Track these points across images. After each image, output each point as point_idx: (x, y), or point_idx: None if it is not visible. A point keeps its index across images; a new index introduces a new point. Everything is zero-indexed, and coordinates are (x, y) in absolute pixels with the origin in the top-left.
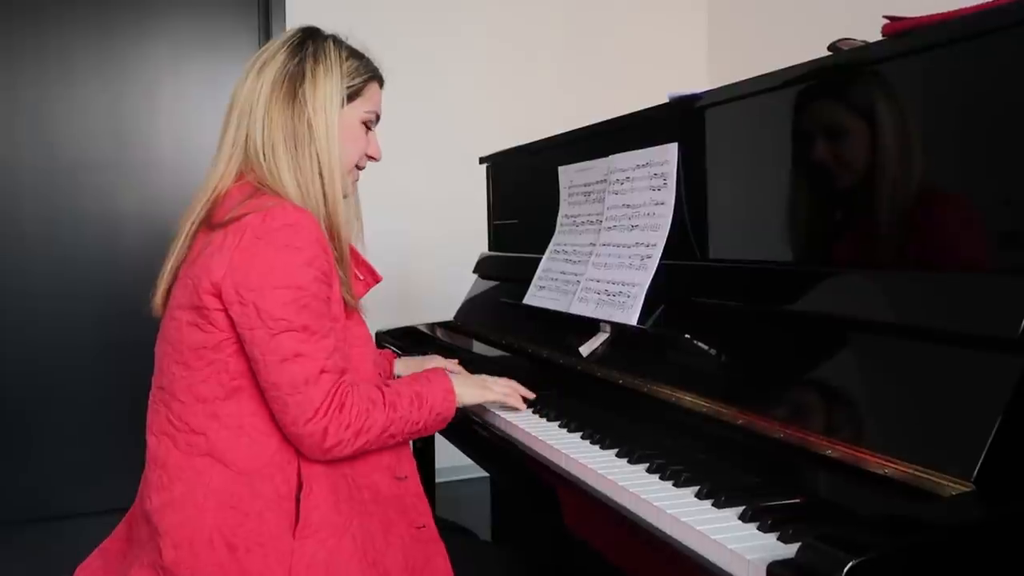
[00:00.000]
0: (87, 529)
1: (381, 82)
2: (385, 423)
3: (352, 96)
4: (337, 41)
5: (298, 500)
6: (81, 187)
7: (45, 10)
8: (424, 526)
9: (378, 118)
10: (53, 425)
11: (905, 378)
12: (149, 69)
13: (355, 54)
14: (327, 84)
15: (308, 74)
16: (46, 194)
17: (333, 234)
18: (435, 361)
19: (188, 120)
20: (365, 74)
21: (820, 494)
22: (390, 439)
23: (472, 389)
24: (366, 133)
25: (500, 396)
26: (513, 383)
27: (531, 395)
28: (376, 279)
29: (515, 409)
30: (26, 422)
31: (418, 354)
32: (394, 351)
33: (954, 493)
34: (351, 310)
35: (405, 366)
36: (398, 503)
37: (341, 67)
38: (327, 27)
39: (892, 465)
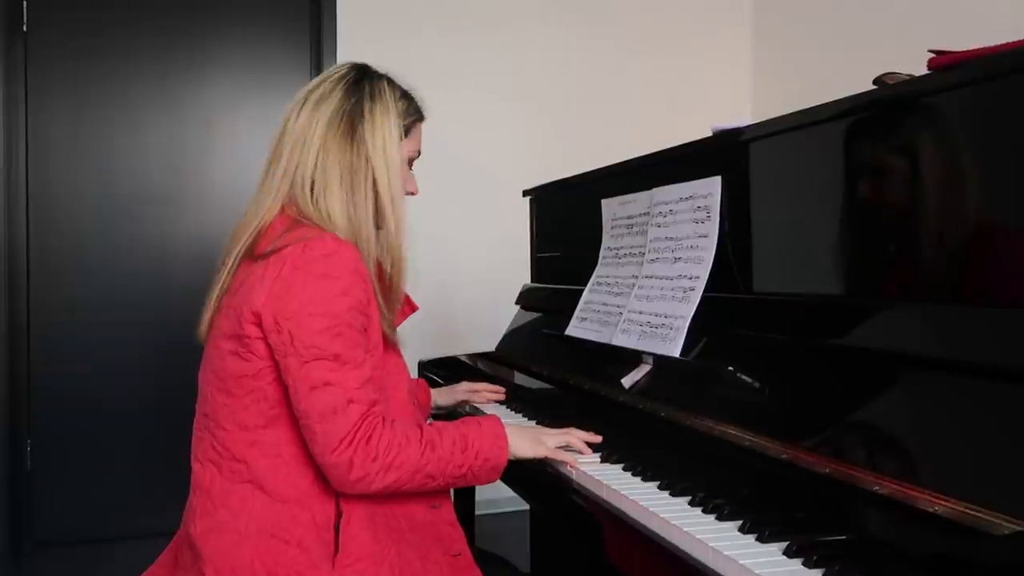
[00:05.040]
0: (134, 553)
1: (423, 121)
2: (419, 462)
3: (402, 135)
4: (391, 82)
5: (337, 530)
6: (138, 218)
7: (109, 51)
8: (460, 554)
9: (419, 155)
10: (104, 448)
11: (954, 414)
12: (205, 106)
13: (406, 95)
14: (385, 123)
15: (367, 113)
16: (105, 225)
17: (386, 266)
18: (463, 387)
19: (242, 155)
20: (414, 115)
21: (867, 531)
22: (428, 480)
23: (525, 442)
24: (408, 170)
25: (551, 453)
26: (573, 433)
27: (597, 439)
28: (412, 309)
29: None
30: (77, 445)
31: (453, 382)
32: (429, 381)
33: (1007, 532)
34: (389, 341)
35: (438, 395)
36: (433, 531)
37: (396, 107)
38: (374, 64)
39: (942, 503)
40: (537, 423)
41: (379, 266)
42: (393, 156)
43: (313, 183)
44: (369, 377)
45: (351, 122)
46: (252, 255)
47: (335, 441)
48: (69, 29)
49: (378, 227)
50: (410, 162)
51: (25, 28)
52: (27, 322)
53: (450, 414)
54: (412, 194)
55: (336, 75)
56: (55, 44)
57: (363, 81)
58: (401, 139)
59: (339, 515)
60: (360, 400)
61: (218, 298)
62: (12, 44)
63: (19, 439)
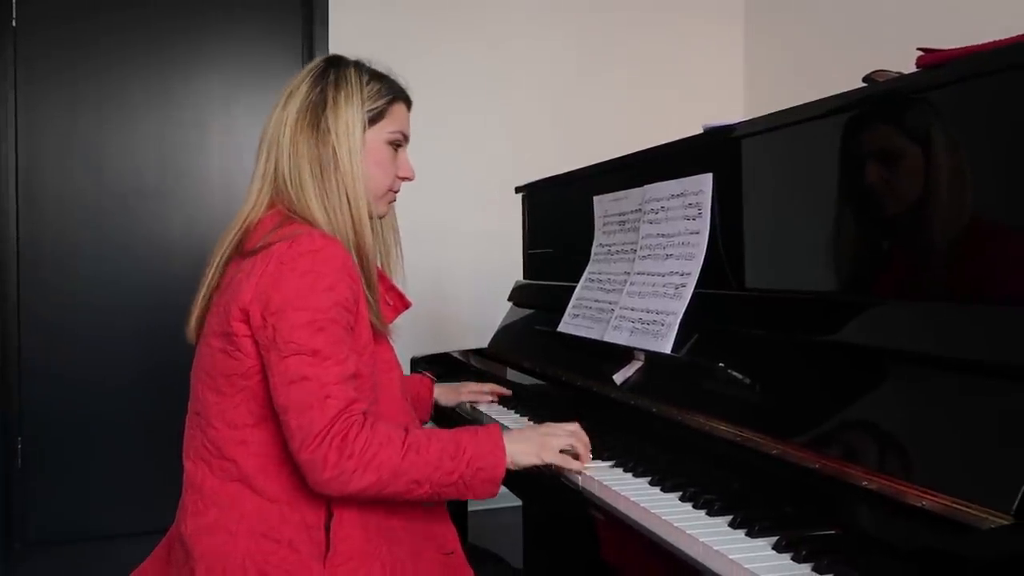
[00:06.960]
0: (126, 551)
1: (408, 102)
2: (400, 464)
3: (375, 119)
4: (359, 66)
5: (328, 529)
6: (132, 215)
7: (101, 48)
8: (452, 552)
9: (406, 138)
10: (95, 445)
11: (943, 410)
12: (199, 104)
13: (377, 76)
14: (348, 109)
15: (329, 101)
16: (97, 222)
17: (361, 258)
18: (468, 387)
19: (235, 152)
20: (388, 95)
21: (856, 525)
22: (414, 486)
23: (527, 446)
24: (395, 154)
25: (557, 459)
26: (579, 436)
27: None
28: (405, 305)
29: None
30: (68, 442)
31: (452, 381)
32: (431, 378)
33: (993, 526)
34: (380, 336)
35: (441, 393)
36: (426, 530)
37: (362, 92)
38: (364, 58)
39: (930, 497)
40: (530, 420)
41: (358, 256)
42: (355, 143)
43: (292, 178)
44: (352, 375)
45: (315, 112)
46: (241, 252)
47: (310, 437)
48: (59, 25)
49: (352, 216)
50: (395, 145)
51: (14, 23)
52: (17, 319)
53: (451, 415)
54: (406, 179)
55: (307, 69)
56: (45, 40)
57: (329, 70)
58: (366, 125)
59: (330, 515)
60: (338, 396)
61: (206, 296)
62: (1, 40)
63: (10, 436)
